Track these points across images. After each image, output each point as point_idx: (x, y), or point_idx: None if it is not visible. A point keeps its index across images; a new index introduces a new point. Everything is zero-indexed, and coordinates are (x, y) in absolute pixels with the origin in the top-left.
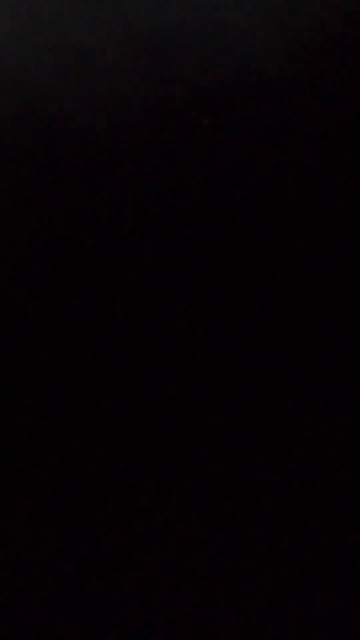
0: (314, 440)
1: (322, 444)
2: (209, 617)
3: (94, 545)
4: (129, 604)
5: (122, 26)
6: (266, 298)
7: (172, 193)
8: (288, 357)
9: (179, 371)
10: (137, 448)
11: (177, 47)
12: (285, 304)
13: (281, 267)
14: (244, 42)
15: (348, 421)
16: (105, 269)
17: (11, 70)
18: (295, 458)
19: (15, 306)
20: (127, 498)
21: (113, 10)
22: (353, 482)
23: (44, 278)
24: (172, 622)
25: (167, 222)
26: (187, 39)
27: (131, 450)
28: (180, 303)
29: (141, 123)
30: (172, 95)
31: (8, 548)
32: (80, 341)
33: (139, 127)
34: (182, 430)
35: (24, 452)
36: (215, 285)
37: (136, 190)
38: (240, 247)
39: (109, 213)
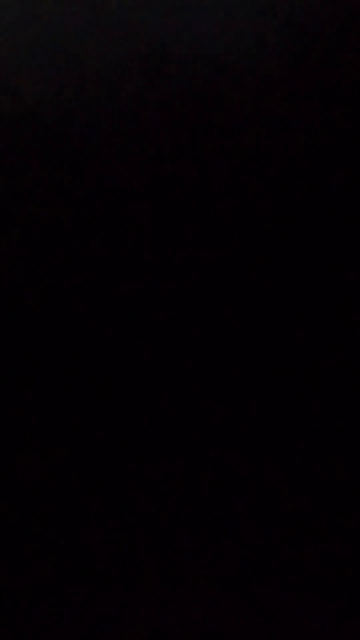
0: (313, 441)
1: (323, 445)
2: (208, 618)
3: (93, 548)
4: (129, 606)
5: (122, 27)
6: (266, 299)
7: (172, 195)
8: (288, 361)
9: (178, 371)
10: (136, 449)
11: (178, 48)
12: (285, 304)
13: (281, 268)
14: (245, 43)
15: (348, 422)
16: (105, 270)
17: (10, 71)
18: (295, 460)
19: (14, 307)
20: (126, 500)
21: (113, 11)
22: (353, 483)
23: (43, 282)
24: (172, 624)
25: (167, 224)
26: (187, 39)
27: (131, 451)
28: (179, 304)
29: (141, 124)
30: (172, 96)
31: (7, 549)
32: (80, 343)
33: (139, 128)
34: (182, 430)
35: (23, 453)
36: (214, 286)
37: (136, 193)
38: (240, 248)
39: (109, 216)
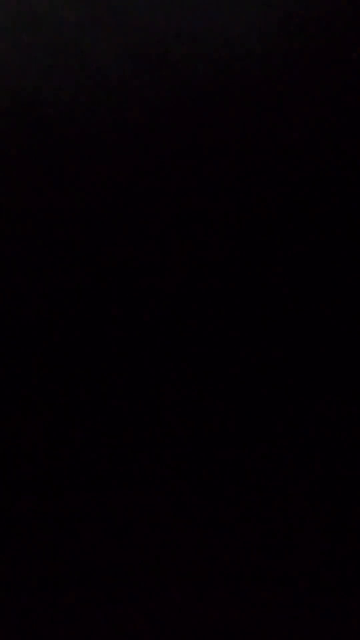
0: (313, 440)
1: (322, 442)
2: (208, 618)
3: (93, 547)
4: (128, 606)
5: (122, 26)
6: (265, 299)
7: (172, 193)
8: (288, 362)
9: (177, 370)
10: (136, 447)
11: (177, 47)
12: (285, 305)
13: (281, 269)
14: (244, 43)
15: (347, 421)
16: (104, 271)
17: (10, 71)
18: (295, 459)
19: (14, 308)
20: (125, 499)
21: (113, 10)
22: (353, 483)
23: (42, 281)
24: (172, 624)
25: (167, 222)
26: (186, 39)
27: (131, 451)
28: (179, 305)
29: (140, 123)
30: (171, 96)
31: (7, 549)
32: (79, 343)
33: (138, 127)
34: (182, 430)
35: (23, 454)
36: (214, 287)
37: (135, 192)
38: (240, 247)
39: (108, 214)
